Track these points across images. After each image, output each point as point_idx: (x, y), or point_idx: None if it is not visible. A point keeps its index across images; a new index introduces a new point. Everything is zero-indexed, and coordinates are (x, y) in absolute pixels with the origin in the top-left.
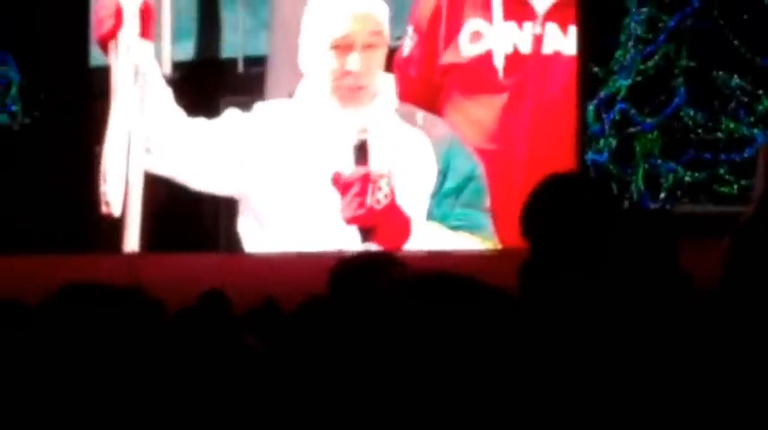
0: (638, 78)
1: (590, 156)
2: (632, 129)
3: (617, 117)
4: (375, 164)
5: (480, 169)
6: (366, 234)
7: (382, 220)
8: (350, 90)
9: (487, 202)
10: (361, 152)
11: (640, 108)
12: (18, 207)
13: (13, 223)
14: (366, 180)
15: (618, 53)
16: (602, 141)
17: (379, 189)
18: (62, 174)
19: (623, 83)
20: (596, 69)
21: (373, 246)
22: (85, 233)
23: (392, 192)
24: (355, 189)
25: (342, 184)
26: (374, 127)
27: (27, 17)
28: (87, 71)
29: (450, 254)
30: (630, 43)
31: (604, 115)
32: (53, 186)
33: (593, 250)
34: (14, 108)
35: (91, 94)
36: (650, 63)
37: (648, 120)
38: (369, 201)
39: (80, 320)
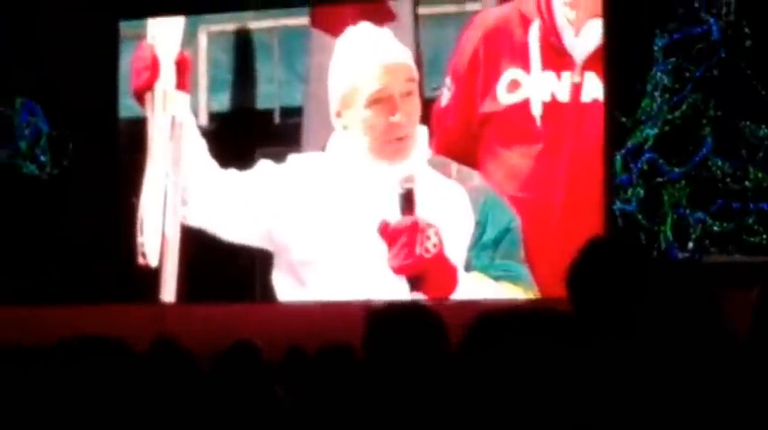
0: (666, 128)
1: (618, 205)
2: (660, 179)
3: (645, 166)
4: (421, 213)
5: (517, 221)
6: (414, 283)
7: (431, 270)
8: (394, 142)
9: (523, 253)
10: (408, 201)
11: (668, 157)
12: (51, 257)
13: (48, 274)
14: (414, 229)
15: (645, 103)
16: (629, 191)
17: (428, 238)
18: (96, 224)
19: (650, 132)
20: (624, 119)
21: (421, 296)
22: (122, 284)
23: (440, 242)
24: (404, 238)
25: (389, 234)
26: (419, 176)
27: (56, 68)
28: (117, 122)
29: (496, 303)
30: (657, 93)
31: (632, 165)
32: (87, 237)
33: (635, 311)
34: (43, 158)
35: (120, 145)
36: (677, 113)
37: (676, 170)
38: (418, 250)
39: (109, 371)
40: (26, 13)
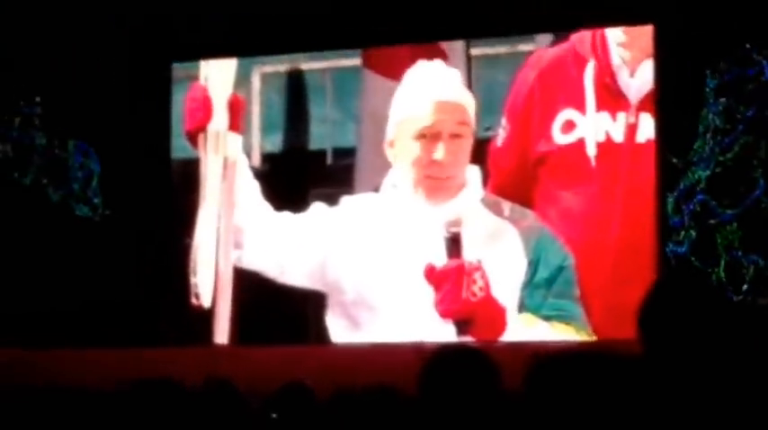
0: (717, 169)
1: (670, 247)
2: (712, 221)
3: (697, 208)
4: (468, 256)
5: (571, 260)
6: (461, 327)
7: (478, 313)
8: (436, 181)
9: (578, 292)
10: (454, 245)
11: (720, 199)
12: (104, 299)
13: (100, 315)
14: (460, 273)
15: (697, 144)
16: (682, 233)
17: (474, 282)
18: (149, 265)
19: (702, 173)
20: (675, 160)
21: (469, 339)
22: (175, 325)
23: (487, 285)
24: (449, 283)
25: (435, 278)
26: (467, 218)
27: (108, 109)
28: (169, 163)
29: (546, 345)
30: (709, 134)
31: (684, 206)
32: (140, 278)
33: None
34: (96, 200)
35: (173, 186)
36: (729, 154)
37: (728, 212)
38: (464, 294)
39: (164, 411)
40: (78, 56)
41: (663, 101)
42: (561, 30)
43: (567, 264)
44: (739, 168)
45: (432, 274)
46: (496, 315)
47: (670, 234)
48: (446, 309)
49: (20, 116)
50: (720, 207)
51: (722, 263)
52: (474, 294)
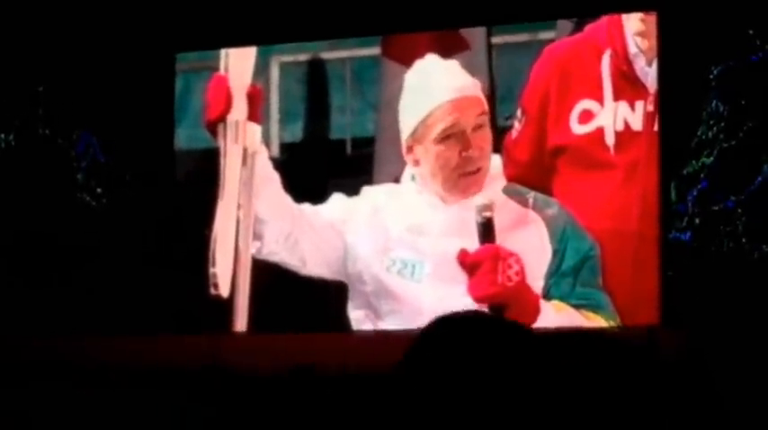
0: (722, 156)
1: (673, 234)
2: (716, 208)
3: (700, 195)
4: (501, 241)
5: (597, 249)
6: (496, 312)
7: (514, 297)
8: (467, 175)
9: (601, 281)
10: (487, 230)
11: (724, 186)
12: (119, 289)
13: (118, 304)
14: (496, 257)
15: (700, 130)
16: (685, 220)
17: (510, 266)
18: (160, 255)
19: (706, 160)
20: (679, 147)
21: None
22: (194, 314)
23: (522, 270)
24: (485, 266)
25: (470, 262)
26: (497, 205)
27: (112, 100)
28: (173, 154)
29: (579, 330)
30: (713, 121)
31: (687, 193)
32: (154, 268)
33: None
34: (100, 190)
35: (181, 177)
36: (733, 141)
37: (732, 198)
38: (500, 278)
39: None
40: (83, 46)
41: (666, 87)
42: (564, 17)
43: (593, 253)
44: (743, 155)
45: (466, 259)
46: (531, 300)
47: (673, 221)
48: (482, 293)
49: (22, 107)
50: (724, 193)
51: (724, 249)
52: (510, 279)
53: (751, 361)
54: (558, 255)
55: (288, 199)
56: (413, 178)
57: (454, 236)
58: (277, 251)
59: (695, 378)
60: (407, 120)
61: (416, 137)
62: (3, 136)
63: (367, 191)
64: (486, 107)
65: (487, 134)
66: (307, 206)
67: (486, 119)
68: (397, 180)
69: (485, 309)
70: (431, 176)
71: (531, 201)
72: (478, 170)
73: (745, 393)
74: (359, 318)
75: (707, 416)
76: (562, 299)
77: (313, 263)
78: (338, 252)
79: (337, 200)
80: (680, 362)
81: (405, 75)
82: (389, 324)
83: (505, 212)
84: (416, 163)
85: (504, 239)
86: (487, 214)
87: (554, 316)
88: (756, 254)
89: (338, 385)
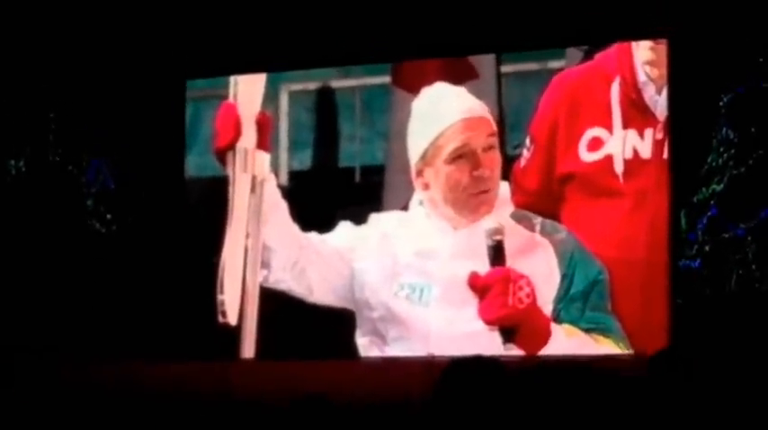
0: (731, 184)
1: (683, 262)
2: (726, 235)
3: (710, 223)
4: (510, 265)
5: (605, 273)
6: (507, 335)
7: (525, 320)
8: (478, 195)
9: (610, 305)
10: (498, 253)
11: (733, 213)
12: (126, 316)
13: (126, 331)
14: (507, 279)
15: (710, 158)
16: (695, 247)
17: (521, 288)
18: (169, 283)
19: (716, 187)
20: (689, 175)
21: (514, 348)
22: (202, 342)
23: (533, 292)
24: (496, 289)
25: (481, 285)
26: (506, 227)
27: (123, 127)
28: (184, 181)
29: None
30: (722, 148)
31: (697, 221)
32: (162, 296)
33: None
34: (109, 216)
35: (191, 204)
36: (743, 168)
37: (742, 226)
38: (511, 300)
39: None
40: (94, 72)
41: (676, 114)
42: (574, 45)
43: (601, 277)
44: (753, 182)
45: (477, 281)
46: (542, 323)
47: (683, 249)
48: (493, 315)
49: (33, 133)
50: (734, 221)
51: (734, 277)
52: (521, 301)
53: (760, 389)
54: (567, 279)
55: (295, 227)
56: (420, 203)
57: (462, 259)
58: (284, 279)
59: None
60: (417, 143)
61: (427, 159)
62: (14, 162)
63: (375, 217)
64: (495, 128)
65: (497, 156)
66: (314, 235)
67: (495, 140)
68: (405, 208)
69: (495, 331)
70: (441, 198)
71: (538, 226)
72: (489, 190)
73: (752, 420)
74: (365, 345)
75: None
76: (572, 323)
77: (320, 291)
78: (345, 280)
79: (344, 228)
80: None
81: (412, 102)
82: (396, 350)
83: (514, 237)
84: (426, 186)
85: (512, 264)
86: (498, 237)
87: (565, 339)
88: (766, 282)
89: (346, 412)
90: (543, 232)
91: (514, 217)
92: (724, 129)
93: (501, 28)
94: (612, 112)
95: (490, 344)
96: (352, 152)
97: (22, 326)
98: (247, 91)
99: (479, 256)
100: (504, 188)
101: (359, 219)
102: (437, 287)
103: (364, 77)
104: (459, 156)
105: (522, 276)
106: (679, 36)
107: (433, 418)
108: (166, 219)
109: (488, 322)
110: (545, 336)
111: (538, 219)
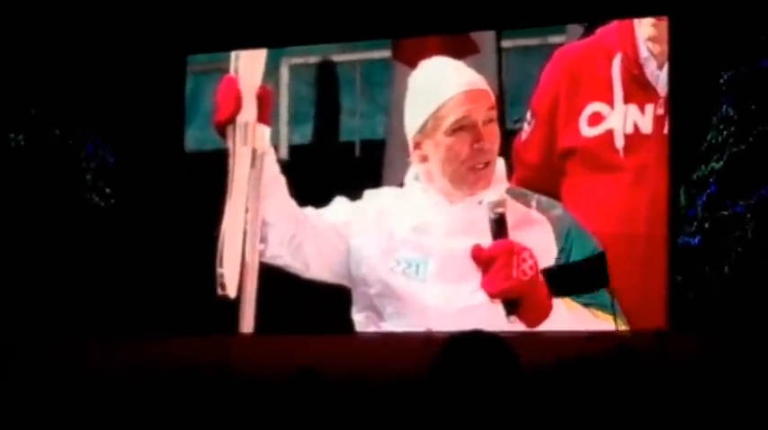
0: (731, 161)
1: (682, 239)
2: (725, 213)
3: (709, 200)
4: (512, 236)
5: (600, 250)
6: (511, 307)
7: (529, 292)
8: (478, 169)
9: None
10: (500, 226)
11: (733, 191)
12: (128, 290)
13: (125, 305)
14: (511, 251)
15: (710, 135)
16: (694, 224)
17: (524, 260)
18: (170, 256)
19: (715, 165)
20: (689, 151)
21: (517, 321)
22: (202, 315)
23: (536, 264)
24: (500, 261)
25: (484, 258)
26: (508, 201)
27: (123, 101)
28: (183, 155)
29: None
30: (722, 125)
31: (696, 198)
32: (159, 269)
33: None
34: (108, 190)
35: (187, 178)
36: (742, 146)
37: (741, 203)
38: (515, 272)
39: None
40: (94, 47)
41: (677, 91)
42: (575, 21)
43: (597, 253)
44: (753, 159)
45: (480, 254)
46: (544, 295)
47: (682, 226)
48: (498, 288)
49: (33, 107)
50: (733, 199)
51: (733, 255)
52: (525, 273)
53: (759, 365)
54: (564, 254)
55: (292, 202)
56: (416, 178)
57: (459, 234)
58: (281, 254)
59: (703, 380)
60: (415, 116)
61: (426, 131)
62: (13, 136)
63: (371, 193)
64: (494, 102)
65: (497, 129)
66: (310, 209)
67: (495, 113)
68: (402, 184)
69: (499, 303)
70: (439, 171)
71: (534, 203)
72: (487, 164)
73: (753, 396)
74: (361, 321)
75: (713, 417)
76: (570, 298)
77: (316, 267)
78: (341, 255)
79: (341, 203)
80: (688, 365)
81: (409, 75)
82: (392, 325)
83: (510, 213)
84: (424, 159)
85: (516, 236)
86: (500, 210)
87: (565, 312)
88: (765, 258)
89: (342, 387)
90: (540, 208)
91: (510, 193)
92: (724, 107)
93: (502, 4)
94: (614, 87)
95: (487, 318)
96: (353, 126)
97: (20, 300)
98: (248, 65)
99: (476, 230)
100: (501, 164)
101: (357, 194)
102: (434, 262)
103: (365, 51)
104: (459, 128)
105: (525, 248)
106: (680, 13)
107: (431, 393)
108: (166, 193)
109: (492, 294)
110: (547, 309)
111: (534, 196)
